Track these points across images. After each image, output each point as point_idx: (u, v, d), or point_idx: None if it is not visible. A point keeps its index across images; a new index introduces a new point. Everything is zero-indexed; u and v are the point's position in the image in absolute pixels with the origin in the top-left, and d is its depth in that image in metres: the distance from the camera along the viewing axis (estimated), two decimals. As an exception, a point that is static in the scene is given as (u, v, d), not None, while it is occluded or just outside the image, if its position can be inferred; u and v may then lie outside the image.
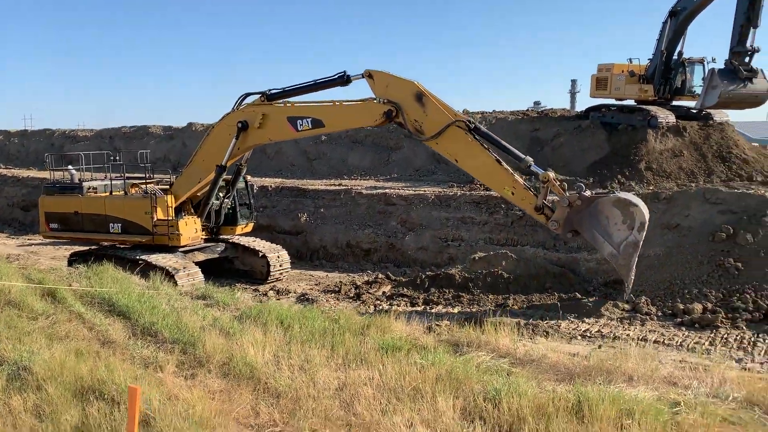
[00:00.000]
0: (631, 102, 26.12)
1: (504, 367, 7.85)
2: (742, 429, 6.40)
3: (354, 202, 23.79)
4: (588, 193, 14.67)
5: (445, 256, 20.96)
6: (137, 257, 17.71)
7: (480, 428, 6.26)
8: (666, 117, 23.87)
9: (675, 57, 24.77)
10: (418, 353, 8.09)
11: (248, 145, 17.68)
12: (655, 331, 13.73)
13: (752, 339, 12.86)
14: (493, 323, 10.54)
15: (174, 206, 18.31)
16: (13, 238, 29.27)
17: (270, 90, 17.15)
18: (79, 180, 19.75)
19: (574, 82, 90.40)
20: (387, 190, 23.86)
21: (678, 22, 23.89)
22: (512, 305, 16.15)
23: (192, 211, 19.28)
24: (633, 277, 14.75)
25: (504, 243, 20.38)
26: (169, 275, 16.91)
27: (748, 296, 14.43)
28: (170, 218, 18.01)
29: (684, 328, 13.82)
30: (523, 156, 14.91)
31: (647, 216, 14.23)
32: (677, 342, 12.93)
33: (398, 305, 16.49)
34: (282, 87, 17.06)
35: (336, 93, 16.70)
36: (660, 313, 14.75)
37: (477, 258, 18.88)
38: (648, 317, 14.53)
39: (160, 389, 7.10)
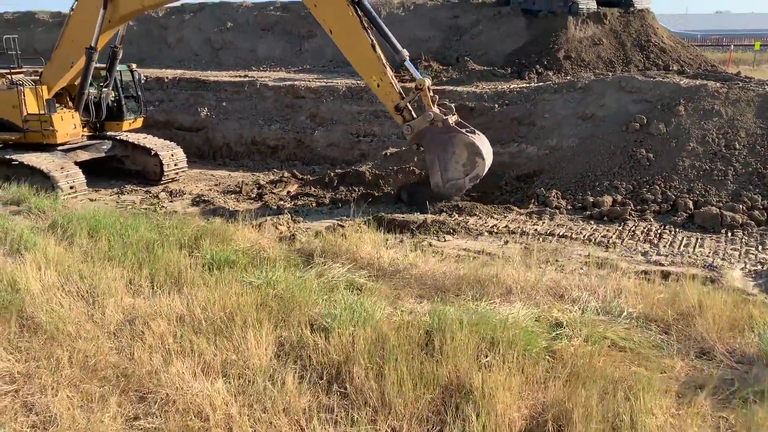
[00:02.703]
0: (552, -13, 24.83)
1: (360, 282, 6.75)
2: (631, 356, 5.44)
3: (259, 96, 22.01)
4: (452, 120, 14.20)
5: (356, 152, 19.81)
6: (6, 157, 15.74)
7: (291, 374, 5.01)
8: (587, 3, 22.87)
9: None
10: (256, 269, 6.81)
11: (120, 15, 15.55)
12: (563, 225, 13.30)
13: (659, 231, 12.62)
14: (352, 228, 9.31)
15: (48, 98, 16.15)
16: None
17: None
18: (-68, 69, 17.10)
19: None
20: (295, 83, 22.13)
21: None
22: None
23: (71, 105, 17.18)
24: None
25: (417, 137, 19.35)
26: (45, 177, 15.16)
27: (657, 188, 14.16)
28: (42, 112, 15.91)
29: (593, 222, 13.46)
30: (400, 48, 14.01)
31: (484, 172, 14.28)
32: (585, 236, 12.54)
33: (303, 206, 15.43)
34: None
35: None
36: (570, 207, 14.33)
37: (389, 154, 17.88)
38: (557, 211, 14.08)
39: None
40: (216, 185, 17.99)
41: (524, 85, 19.84)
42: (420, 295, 6.55)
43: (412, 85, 14.22)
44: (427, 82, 14.13)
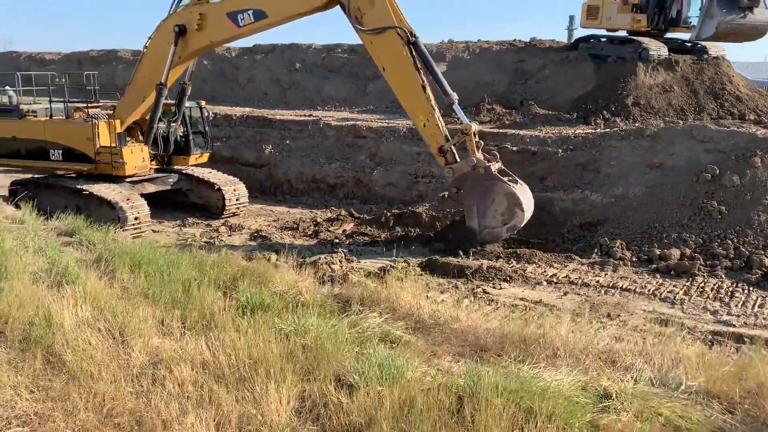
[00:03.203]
0: (623, 33, 24.40)
1: (396, 334, 6.36)
2: (688, 437, 4.76)
3: (322, 134, 22.30)
4: (495, 167, 14.08)
5: (414, 193, 19.68)
6: (78, 186, 16.39)
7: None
8: (658, 49, 22.25)
9: (671, -16, 22.96)
10: (291, 314, 6.45)
11: (189, 51, 16.15)
12: (627, 277, 12.68)
13: (730, 289, 11.84)
14: (405, 271, 8.89)
15: (120, 132, 16.79)
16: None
17: None
18: (18, 102, 18.14)
19: (572, 18, 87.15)
20: (357, 122, 22.34)
21: (677, -55, 21.99)
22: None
23: (142, 139, 17.83)
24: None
25: (477, 180, 19.08)
26: (111, 207, 15.69)
27: (729, 242, 13.36)
28: (113, 145, 16.53)
29: (659, 275, 12.78)
30: (450, 92, 14.10)
31: (523, 223, 14.07)
32: (649, 290, 11.90)
33: (358, 245, 15.36)
34: None
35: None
36: (635, 259, 13.68)
37: (446, 195, 17.69)
38: (621, 262, 13.47)
39: None
40: (275, 221, 18.16)
41: (590, 130, 19.34)
42: (458, 353, 6.11)
43: (460, 127, 14.17)
44: (474, 127, 14.10)
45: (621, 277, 12.65)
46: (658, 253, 13.49)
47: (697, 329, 9.89)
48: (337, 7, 14.43)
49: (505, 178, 14.13)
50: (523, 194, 14.06)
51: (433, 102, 14.07)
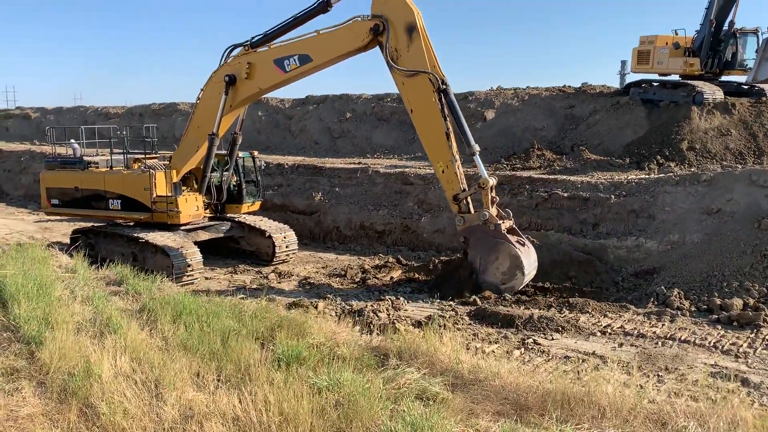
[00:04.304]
0: (675, 77, 24.00)
1: (433, 391, 6.12)
2: None
3: (370, 181, 22.51)
4: (505, 226, 14.29)
5: (462, 239, 19.46)
6: (134, 235, 16.92)
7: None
8: (713, 93, 21.74)
9: (725, 27, 22.58)
10: (326, 368, 6.29)
11: (239, 99, 16.74)
12: (686, 328, 12.11)
13: (799, 342, 11.15)
14: (453, 320, 8.51)
15: (175, 181, 17.36)
16: (33, 214, 29.06)
17: (253, 37, 16.21)
18: (81, 154, 19.03)
19: (623, 63, 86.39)
20: (405, 169, 22.48)
21: (729, -11, 21.69)
22: (528, 295, 14.67)
23: (196, 188, 18.36)
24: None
25: (526, 227, 18.77)
26: (165, 254, 16.10)
27: (796, 292, 12.66)
28: (169, 194, 17.07)
29: (720, 326, 12.16)
30: (473, 143, 14.41)
31: (521, 286, 14.18)
32: (710, 342, 11.31)
33: (403, 292, 15.23)
34: (264, 31, 16.17)
35: (322, 24, 15.62)
36: (694, 309, 13.10)
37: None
38: (679, 312, 12.90)
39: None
40: (323, 267, 18.26)
41: (643, 176, 18.91)
42: (498, 412, 5.80)
43: (479, 181, 14.30)
44: (491, 182, 14.30)
45: (679, 328, 12.09)
46: (719, 302, 12.89)
47: (763, 385, 9.32)
48: (377, 49, 14.82)
49: (514, 238, 14.22)
50: (527, 257, 14.13)
51: (454, 150, 14.33)
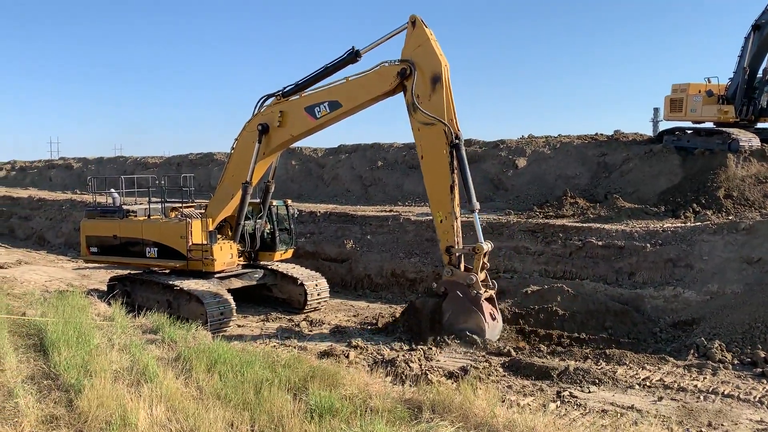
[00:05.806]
0: (709, 124, 23.85)
1: None
2: None
3: (402, 229, 22.59)
4: (485, 295, 14.52)
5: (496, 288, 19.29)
6: (169, 282, 17.16)
7: None
8: (749, 140, 21.54)
9: (759, 74, 22.49)
10: (359, 420, 6.24)
11: (272, 147, 17.14)
12: (728, 382, 11.69)
13: None
14: (487, 372, 8.26)
15: (211, 230, 17.66)
16: (73, 261, 29.74)
17: (285, 87, 16.68)
18: (120, 203, 19.55)
19: (656, 110, 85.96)
20: (437, 217, 22.49)
21: (762, 36, 21.66)
22: (564, 346, 14.40)
23: (230, 235, 18.64)
24: None
25: (560, 276, 18.59)
26: (199, 302, 16.27)
27: None
28: (205, 242, 17.35)
29: (765, 380, 11.72)
30: (474, 201, 14.60)
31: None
32: (755, 397, 10.89)
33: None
34: (295, 81, 16.62)
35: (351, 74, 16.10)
36: (737, 361, 12.68)
37: (530, 292, 17.37)
38: (721, 365, 12.47)
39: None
40: (354, 316, 18.22)
41: (679, 224, 18.63)
42: None
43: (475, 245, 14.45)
44: (486, 248, 14.50)
45: (722, 382, 11.68)
46: (763, 355, 12.47)
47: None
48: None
49: (488, 310, 14.49)
50: (491, 332, 14.39)
51: (456, 204, 14.57)
